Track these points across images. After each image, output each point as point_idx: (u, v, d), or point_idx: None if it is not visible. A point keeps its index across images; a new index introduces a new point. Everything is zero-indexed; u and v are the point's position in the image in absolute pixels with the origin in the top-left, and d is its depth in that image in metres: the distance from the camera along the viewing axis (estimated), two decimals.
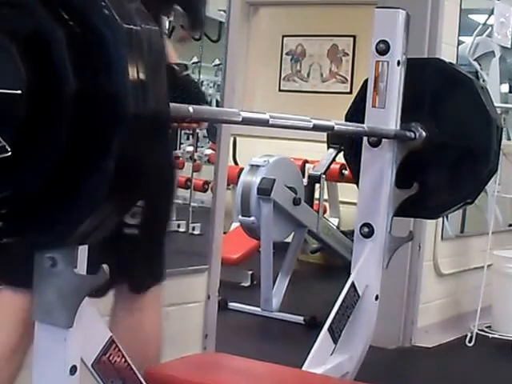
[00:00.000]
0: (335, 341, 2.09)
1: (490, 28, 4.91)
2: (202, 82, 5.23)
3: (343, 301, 2.12)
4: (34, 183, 1.10)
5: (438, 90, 2.22)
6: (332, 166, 5.15)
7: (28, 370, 1.51)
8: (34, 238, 1.16)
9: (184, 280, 2.97)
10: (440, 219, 4.28)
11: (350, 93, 7.21)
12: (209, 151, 5.47)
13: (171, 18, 2.03)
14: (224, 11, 3.12)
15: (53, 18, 1.07)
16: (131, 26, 1.08)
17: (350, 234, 4.58)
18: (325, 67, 7.76)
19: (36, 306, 1.29)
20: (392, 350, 4.06)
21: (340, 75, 7.66)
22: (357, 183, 2.23)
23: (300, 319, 4.44)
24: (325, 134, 4.90)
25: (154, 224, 1.96)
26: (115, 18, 1.06)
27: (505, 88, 5.27)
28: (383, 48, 2.10)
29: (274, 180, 3.97)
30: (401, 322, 4.16)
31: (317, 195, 4.84)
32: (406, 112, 2.15)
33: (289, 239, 4.29)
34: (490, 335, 4.21)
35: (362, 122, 2.11)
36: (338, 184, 5.93)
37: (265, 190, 3.96)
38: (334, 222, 5.77)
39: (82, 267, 1.25)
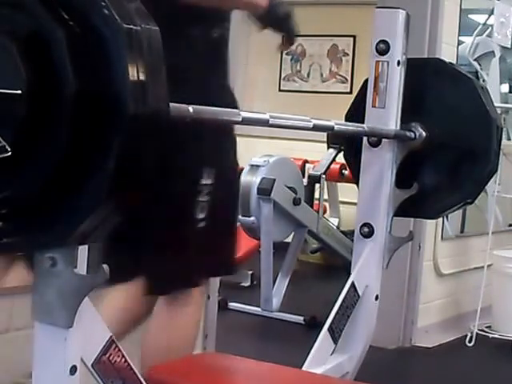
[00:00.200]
0: (335, 341, 2.09)
1: (490, 28, 4.91)
2: None
3: (343, 301, 2.11)
4: (34, 183, 1.10)
5: (438, 90, 2.22)
6: (332, 166, 5.15)
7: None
8: (34, 238, 1.16)
9: None
10: (440, 219, 4.29)
11: (350, 93, 7.21)
12: None
13: None
14: None
15: (53, 18, 1.07)
16: (131, 26, 1.07)
17: (350, 234, 4.58)
18: (325, 67, 7.75)
19: (36, 306, 1.28)
20: (392, 350, 4.06)
21: (340, 75, 7.66)
22: (357, 183, 2.23)
23: (300, 319, 4.44)
24: (325, 134, 4.90)
25: (222, 223, 2.12)
26: (115, 17, 1.06)
27: (505, 88, 5.27)
28: (383, 48, 2.10)
29: (274, 180, 3.96)
30: (401, 322, 4.16)
31: (317, 195, 4.83)
32: (406, 112, 2.15)
33: (289, 239, 4.27)
34: (490, 335, 4.21)
35: (362, 122, 2.11)
36: (338, 184, 5.93)
37: (265, 190, 3.94)
38: (334, 222, 5.77)
39: (82, 267, 1.25)
